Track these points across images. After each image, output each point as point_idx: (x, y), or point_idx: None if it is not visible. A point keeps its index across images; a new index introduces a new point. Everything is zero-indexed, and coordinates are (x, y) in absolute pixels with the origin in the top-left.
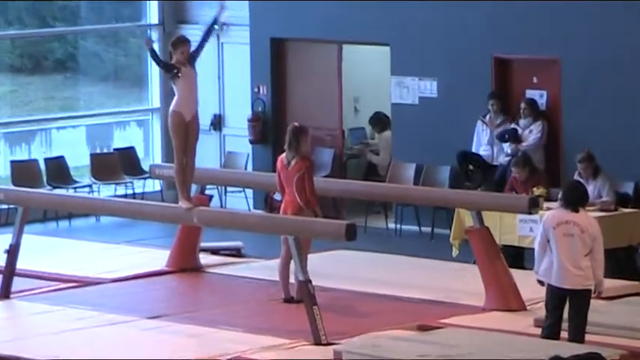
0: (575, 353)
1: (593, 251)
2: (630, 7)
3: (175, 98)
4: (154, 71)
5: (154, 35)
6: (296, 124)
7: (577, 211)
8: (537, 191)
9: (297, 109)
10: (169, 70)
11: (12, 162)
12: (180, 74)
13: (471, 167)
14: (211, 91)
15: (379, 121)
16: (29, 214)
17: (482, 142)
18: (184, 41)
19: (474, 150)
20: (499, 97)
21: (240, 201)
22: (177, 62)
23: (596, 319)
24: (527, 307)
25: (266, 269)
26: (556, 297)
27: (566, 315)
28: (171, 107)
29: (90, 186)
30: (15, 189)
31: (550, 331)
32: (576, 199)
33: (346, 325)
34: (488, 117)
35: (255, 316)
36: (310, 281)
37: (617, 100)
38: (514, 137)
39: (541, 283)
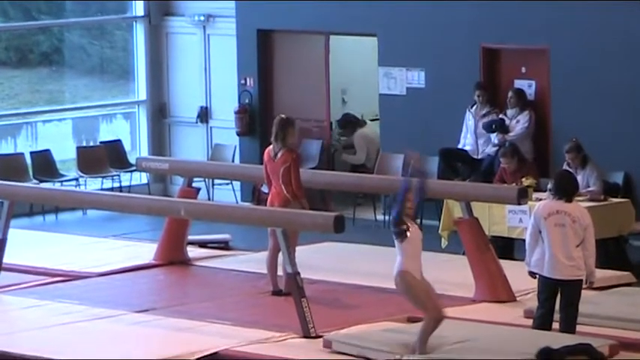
0: (566, 344)
1: (585, 241)
2: None
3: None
4: (140, 64)
5: (140, 28)
6: (283, 115)
7: (569, 201)
8: (526, 182)
9: (285, 101)
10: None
11: None
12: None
13: (459, 164)
14: (198, 83)
15: (348, 123)
16: (15, 209)
17: (467, 133)
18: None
19: (461, 142)
20: (485, 87)
21: (227, 193)
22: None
23: (586, 309)
24: (517, 298)
25: (254, 262)
26: (548, 288)
27: (557, 306)
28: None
29: (76, 179)
30: (1, 183)
31: (541, 321)
32: (567, 189)
33: (335, 318)
34: (474, 108)
35: (244, 309)
36: (299, 273)
37: (606, 89)
38: (501, 127)
39: (533, 275)
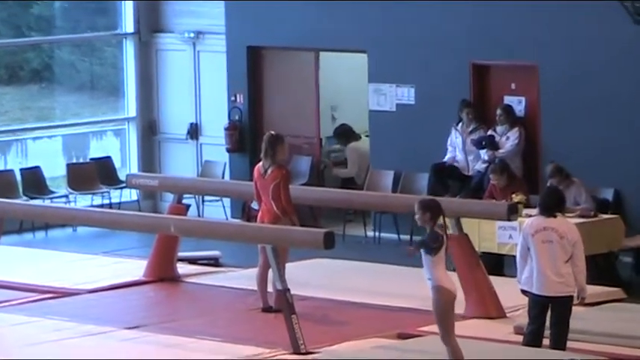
0: None
1: (574, 257)
2: (608, 12)
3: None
4: (130, 80)
5: (130, 44)
6: (272, 132)
7: (555, 216)
8: (516, 198)
9: (275, 118)
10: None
11: None
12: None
13: (449, 180)
14: (188, 99)
15: (344, 133)
16: (5, 225)
17: (456, 151)
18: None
19: (446, 159)
20: (471, 105)
21: (217, 210)
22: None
23: (576, 325)
24: (507, 315)
25: (244, 278)
26: (538, 305)
27: (548, 322)
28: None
29: (66, 196)
30: None
31: (531, 337)
32: (553, 205)
33: (325, 334)
34: (460, 125)
35: (234, 325)
36: (289, 290)
37: (595, 106)
38: (491, 144)
39: (525, 293)
